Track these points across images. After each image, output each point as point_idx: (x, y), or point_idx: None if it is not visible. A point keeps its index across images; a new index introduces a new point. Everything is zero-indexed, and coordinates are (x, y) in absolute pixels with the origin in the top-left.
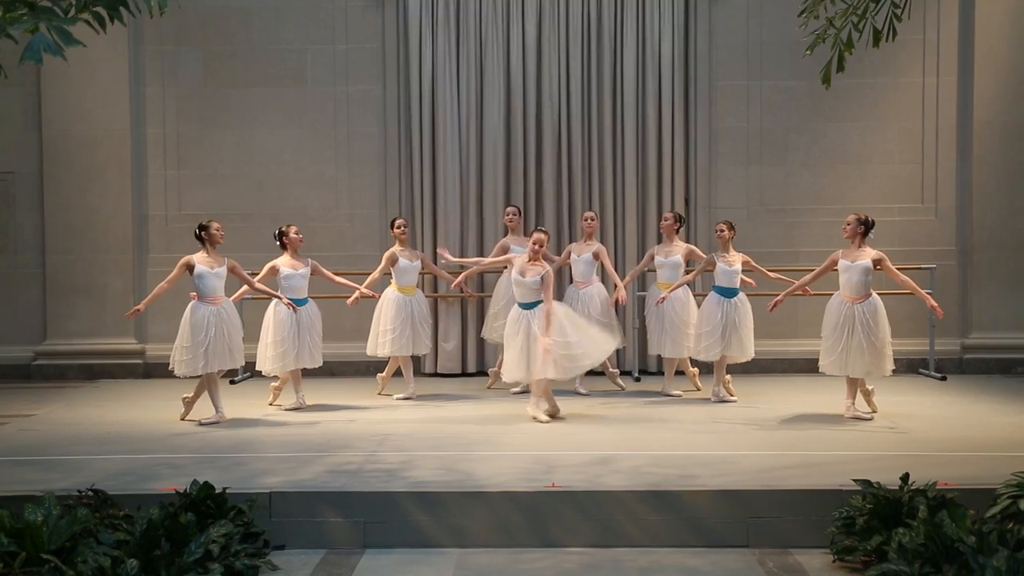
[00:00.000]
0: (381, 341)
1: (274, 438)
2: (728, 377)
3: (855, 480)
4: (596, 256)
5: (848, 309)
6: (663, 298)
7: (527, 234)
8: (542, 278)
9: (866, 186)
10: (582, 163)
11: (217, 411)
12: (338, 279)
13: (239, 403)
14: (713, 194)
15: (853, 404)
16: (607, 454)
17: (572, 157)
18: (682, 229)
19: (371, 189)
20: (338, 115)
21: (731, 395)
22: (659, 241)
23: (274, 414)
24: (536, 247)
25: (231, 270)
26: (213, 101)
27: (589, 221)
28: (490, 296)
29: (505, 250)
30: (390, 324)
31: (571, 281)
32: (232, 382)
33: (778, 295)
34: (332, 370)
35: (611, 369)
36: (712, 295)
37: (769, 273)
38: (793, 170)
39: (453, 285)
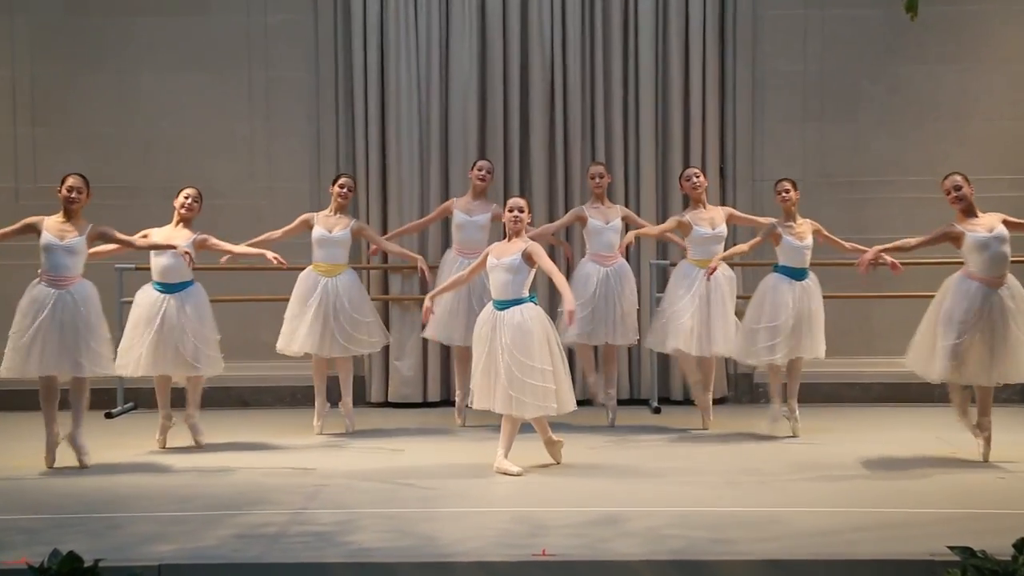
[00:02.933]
0: (284, 330)
1: (165, 491)
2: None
3: (951, 548)
4: (627, 222)
5: (991, 298)
6: (713, 268)
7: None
8: (524, 253)
9: (965, 150)
10: (582, 119)
11: (49, 437)
12: (239, 248)
13: (117, 443)
14: (757, 161)
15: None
16: (615, 511)
17: (569, 111)
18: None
19: (299, 153)
20: (253, 54)
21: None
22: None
23: (164, 458)
24: (517, 214)
25: (97, 238)
26: (82, 35)
27: (597, 180)
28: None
29: (447, 212)
30: (295, 310)
31: (583, 255)
32: (109, 415)
33: (864, 254)
34: (245, 399)
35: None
36: (775, 279)
37: (846, 244)
38: (865, 129)
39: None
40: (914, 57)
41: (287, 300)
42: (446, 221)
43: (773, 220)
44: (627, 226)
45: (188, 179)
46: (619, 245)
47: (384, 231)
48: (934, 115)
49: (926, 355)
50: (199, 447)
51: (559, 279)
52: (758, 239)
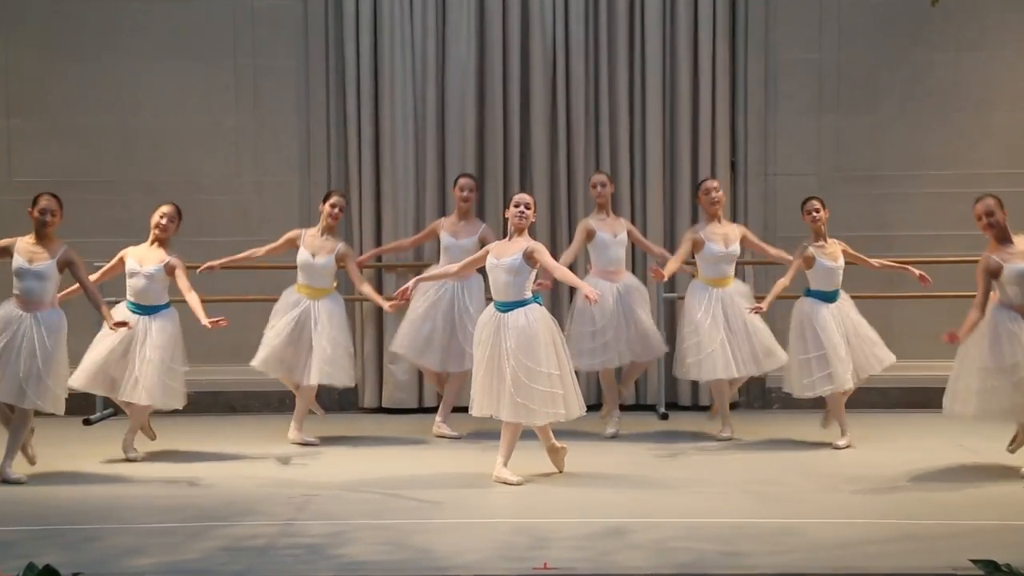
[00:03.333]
0: (263, 344)
1: (147, 502)
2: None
3: (974, 561)
4: (631, 236)
5: None
6: (758, 309)
7: (502, 222)
8: (525, 253)
9: (990, 142)
10: (585, 110)
11: (4, 459)
12: (190, 297)
13: (97, 452)
14: (770, 155)
15: None
16: (620, 522)
17: (572, 103)
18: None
19: (288, 147)
20: (239, 41)
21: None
22: (694, 220)
23: (145, 467)
24: (523, 210)
25: (65, 265)
26: (59, 21)
27: (599, 189)
28: None
29: (434, 234)
30: (274, 327)
31: (586, 271)
32: (87, 422)
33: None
34: (233, 404)
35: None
36: (810, 304)
37: (873, 262)
38: (884, 121)
39: (389, 308)
40: (936, 44)
41: (276, 300)
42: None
43: (806, 244)
44: (631, 243)
45: (170, 173)
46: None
47: (378, 229)
48: (957, 105)
49: (975, 397)
50: (130, 461)
51: (565, 273)
52: (794, 266)
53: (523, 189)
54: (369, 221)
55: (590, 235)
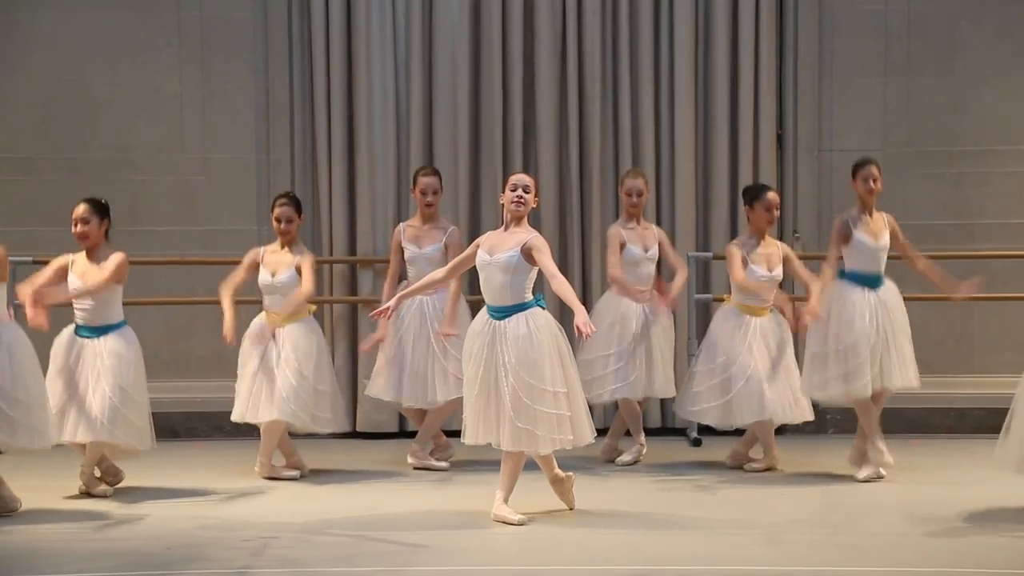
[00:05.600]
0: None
1: (71, 547)
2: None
3: None
4: (661, 248)
5: None
6: (813, 315)
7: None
8: (524, 248)
9: None
10: (602, 73)
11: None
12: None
13: (12, 487)
14: (825, 127)
15: None
16: (642, 570)
17: (584, 64)
18: None
19: (243, 117)
20: None
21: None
22: (731, 210)
23: (69, 506)
24: (521, 194)
25: None
26: None
27: (635, 199)
28: None
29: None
30: (240, 367)
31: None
32: None
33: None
34: (175, 428)
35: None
36: (842, 287)
37: (918, 262)
38: (965, 85)
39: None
40: None
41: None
42: None
43: (843, 215)
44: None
45: (99, 148)
46: (667, 297)
47: (351, 214)
48: None
49: None
50: (104, 496)
51: (563, 286)
52: (834, 245)
53: (526, 170)
54: (340, 206)
55: (620, 246)
